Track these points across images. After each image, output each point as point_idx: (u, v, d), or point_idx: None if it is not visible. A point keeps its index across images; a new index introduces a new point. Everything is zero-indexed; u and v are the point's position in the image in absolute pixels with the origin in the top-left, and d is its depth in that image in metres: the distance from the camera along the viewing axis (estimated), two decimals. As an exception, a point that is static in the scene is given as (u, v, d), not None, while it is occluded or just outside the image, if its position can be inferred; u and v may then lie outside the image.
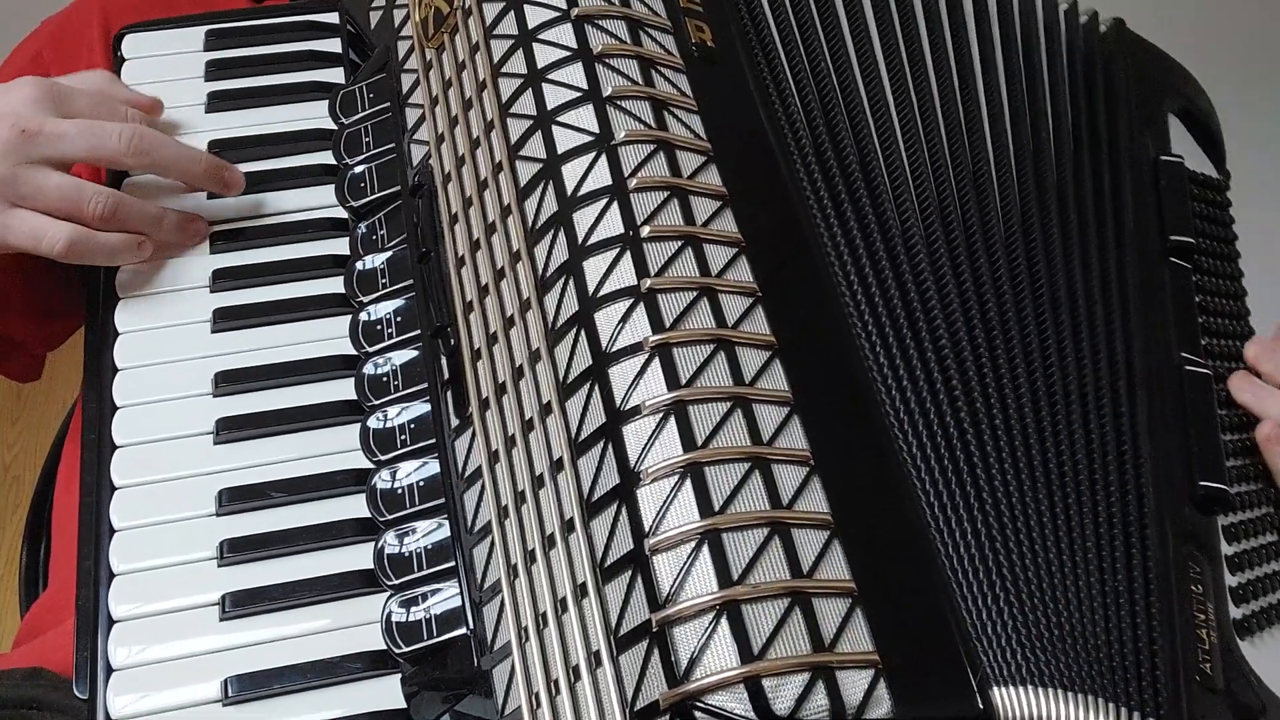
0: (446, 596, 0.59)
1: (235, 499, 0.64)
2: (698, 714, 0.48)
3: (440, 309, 0.65)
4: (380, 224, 0.70)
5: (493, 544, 0.58)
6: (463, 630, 0.58)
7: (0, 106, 0.67)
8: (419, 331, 0.66)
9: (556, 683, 0.52)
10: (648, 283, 0.56)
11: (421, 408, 0.64)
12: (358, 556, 0.63)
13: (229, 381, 0.68)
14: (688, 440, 0.52)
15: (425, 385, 0.64)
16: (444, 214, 0.66)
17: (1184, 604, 0.57)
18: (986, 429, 0.58)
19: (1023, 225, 0.67)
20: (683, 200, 0.58)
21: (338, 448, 0.66)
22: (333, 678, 0.60)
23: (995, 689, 0.51)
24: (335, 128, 0.75)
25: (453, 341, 0.63)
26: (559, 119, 0.61)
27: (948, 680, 0.51)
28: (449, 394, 0.63)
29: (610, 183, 0.58)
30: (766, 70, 0.67)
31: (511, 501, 0.57)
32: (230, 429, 0.66)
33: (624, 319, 0.55)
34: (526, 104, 0.62)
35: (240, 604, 0.62)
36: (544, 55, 0.63)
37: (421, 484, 0.62)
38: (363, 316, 0.67)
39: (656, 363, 0.54)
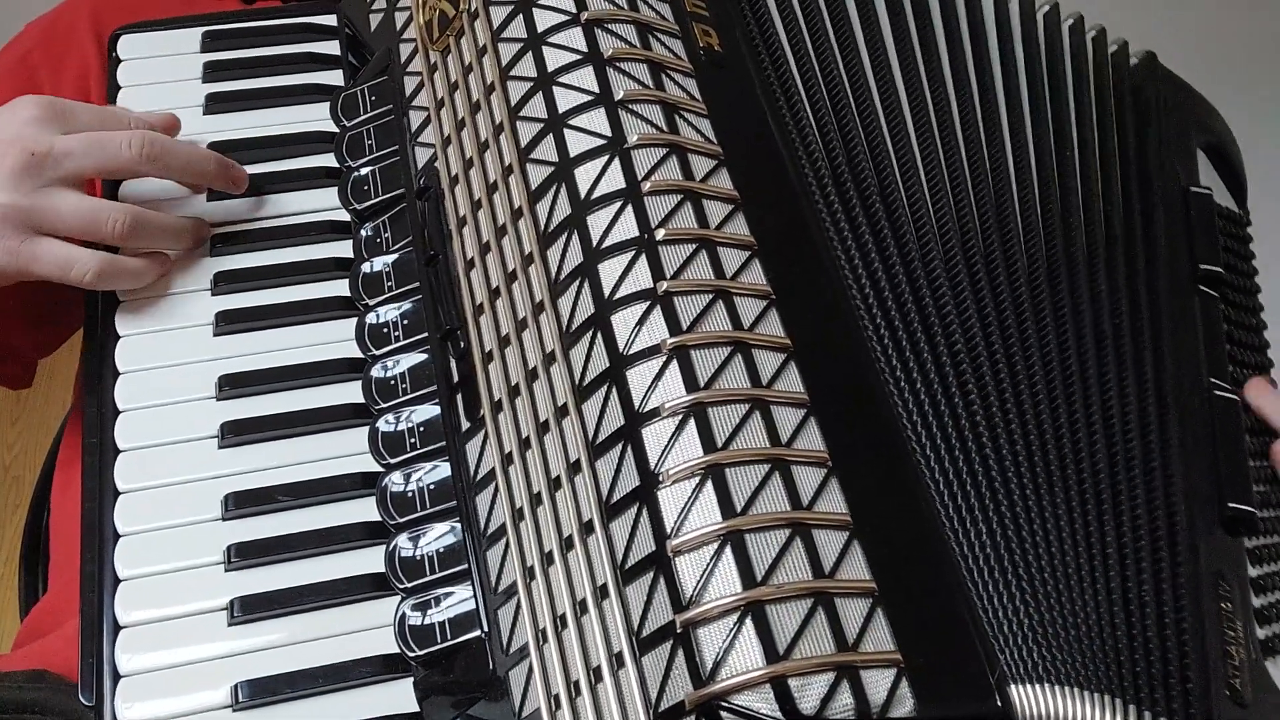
0: (460, 599, 0.59)
1: (241, 503, 0.64)
2: (724, 714, 0.48)
3: (449, 312, 0.64)
4: (385, 226, 0.70)
5: (507, 546, 0.57)
6: (477, 633, 0.58)
7: (3, 132, 0.66)
8: (426, 334, 0.66)
9: (577, 684, 0.52)
10: (664, 285, 0.56)
11: (431, 411, 0.64)
12: (367, 560, 0.63)
13: (233, 385, 0.67)
14: (708, 442, 0.52)
15: (434, 388, 0.64)
16: (451, 217, 0.66)
17: (1215, 620, 0.58)
18: (1003, 434, 0.59)
19: (1044, 236, 0.67)
20: (696, 204, 0.59)
21: (344, 451, 0.66)
22: (344, 682, 0.60)
23: (1013, 686, 0.52)
24: (336, 130, 0.74)
25: (462, 344, 0.63)
26: (571, 122, 0.61)
27: (967, 679, 0.51)
28: (459, 397, 0.63)
29: (624, 186, 0.58)
30: (773, 74, 0.67)
31: (527, 504, 0.57)
32: (235, 433, 0.66)
33: (641, 321, 0.55)
34: (537, 107, 0.63)
35: (249, 609, 0.61)
36: (554, 58, 0.63)
37: (433, 487, 0.62)
38: (369, 319, 0.67)
39: (675, 365, 0.54)
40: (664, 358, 0.54)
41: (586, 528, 0.54)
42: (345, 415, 0.67)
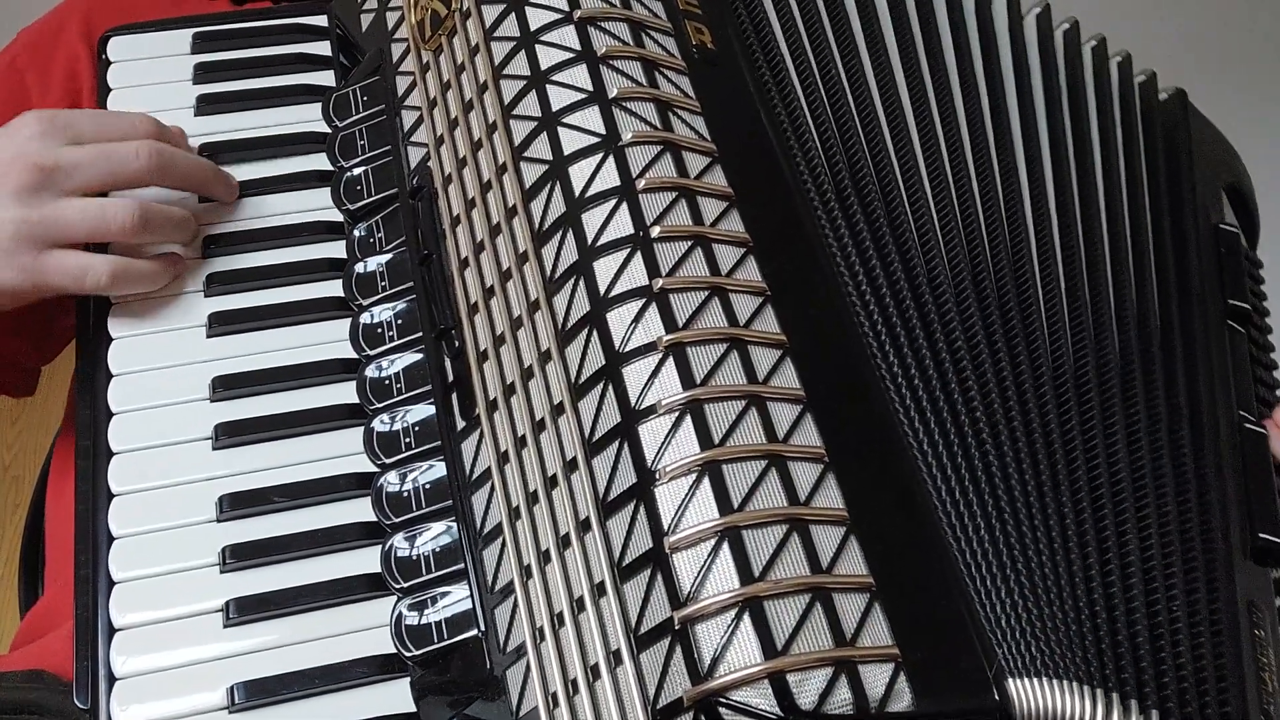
0: (457, 599, 0.59)
1: (236, 504, 0.64)
2: (723, 710, 0.48)
3: (443, 311, 0.64)
4: (378, 226, 0.70)
5: (504, 545, 0.57)
6: (474, 632, 0.58)
7: (8, 149, 0.66)
8: (420, 334, 0.66)
9: (574, 682, 0.52)
10: (660, 282, 0.56)
11: (426, 410, 0.64)
12: (362, 561, 0.62)
13: (226, 386, 0.67)
14: (705, 438, 0.52)
15: (429, 388, 0.64)
16: (445, 216, 0.66)
17: (1250, 647, 0.58)
18: (1004, 433, 0.59)
19: (1061, 245, 0.68)
20: (691, 201, 0.59)
21: (338, 452, 0.66)
22: (340, 683, 0.59)
23: (1011, 681, 0.52)
24: (327, 131, 0.74)
25: (457, 344, 0.63)
26: (564, 120, 0.61)
27: (964, 673, 0.51)
28: (454, 396, 0.63)
29: (619, 183, 0.58)
30: (768, 72, 0.67)
31: (523, 502, 0.57)
32: (229, 434, 0.66)
33: (637, 319, 0.55)
34: (530, 105, 0.62)
35: (244, 610, 0.61)
36: (547, 57, 0.63)
37: (428, 486, 0.62)
38: (363, 319, 0.67)
39: (671, 362, 0.54)
40: (660, 354, 0.54)
41: (583, 525, 0.54)
42: (340, 416, 0.66)
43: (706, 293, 0.56)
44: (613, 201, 0.58)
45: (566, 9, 0.64)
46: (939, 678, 0.50)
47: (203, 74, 0.78)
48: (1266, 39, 1.60)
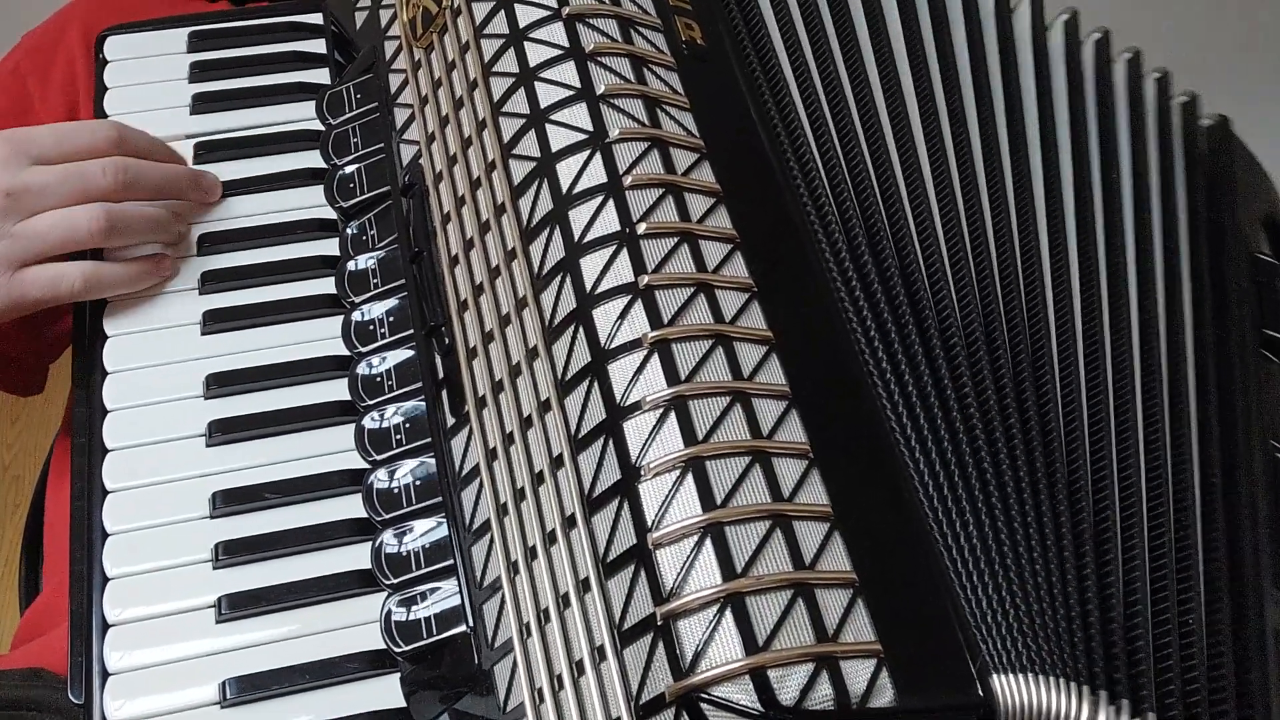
0: (445, 595, 0.59)
1: (229, 501, 0.64)
2: (704, 706, 0.48)
3: (434, 308, 0.65)
4: (370, 224, 0.70)
5: (492, 541, 0.58)
6: (462, 628, 0.58)
7: None
8: (412, 331, 0.66)
9: (560, 678, 0.53)
10: (645, 279, 0.56)
11: (416, 407, 0.64)
12: (354, 557, 0.63)
13: (220, 384, 0.67)
14: (689, 435, 0.52)
15: (419, 385, 0.64)
16: (436, 213, 0.66)
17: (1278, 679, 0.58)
18: (1000, 433, 0.58)
19: (1080, 247, 0.67)
20: (677, 197, 0.59)
21: (331, 449, 0.66)
22: (331, 678, 0.60)
23: (995, 676, 0.52)
24: (322, 128, 0.74)
25: (447, 341, 0.63)
26: (552, 117, 0.61)
27: (948, 668, 0.51)
28: (444, 393, 0.63)
29: (605, 180, 0.59)
30: (759, 68, 0.67)
31: (511, 498, 0.57)
32: (222, 431, 0.66)
33: (622, 315, 0.55)
34: (519, 103, 0.63)
35: (236, 606, 0.61)
36: (536, 54, 0.63)
37: (418, 483, 0.62)
38: (355, 317, 0.67)
39: (656, 358, 0.54)
40: (645, 351, 0.54)
41: (569, 522, 0.54)
42: (332, 413, 0.67)
43: (692, 289, 0.56)
44: (599, 198, 0.58)
45: (555, 6, 0.64)
46: (922, 673, 0.50)
47: (198, 72, 0.78)
48: (1266, 35, 1.59)
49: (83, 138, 0.68)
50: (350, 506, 0.64)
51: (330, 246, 0.72)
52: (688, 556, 0.50)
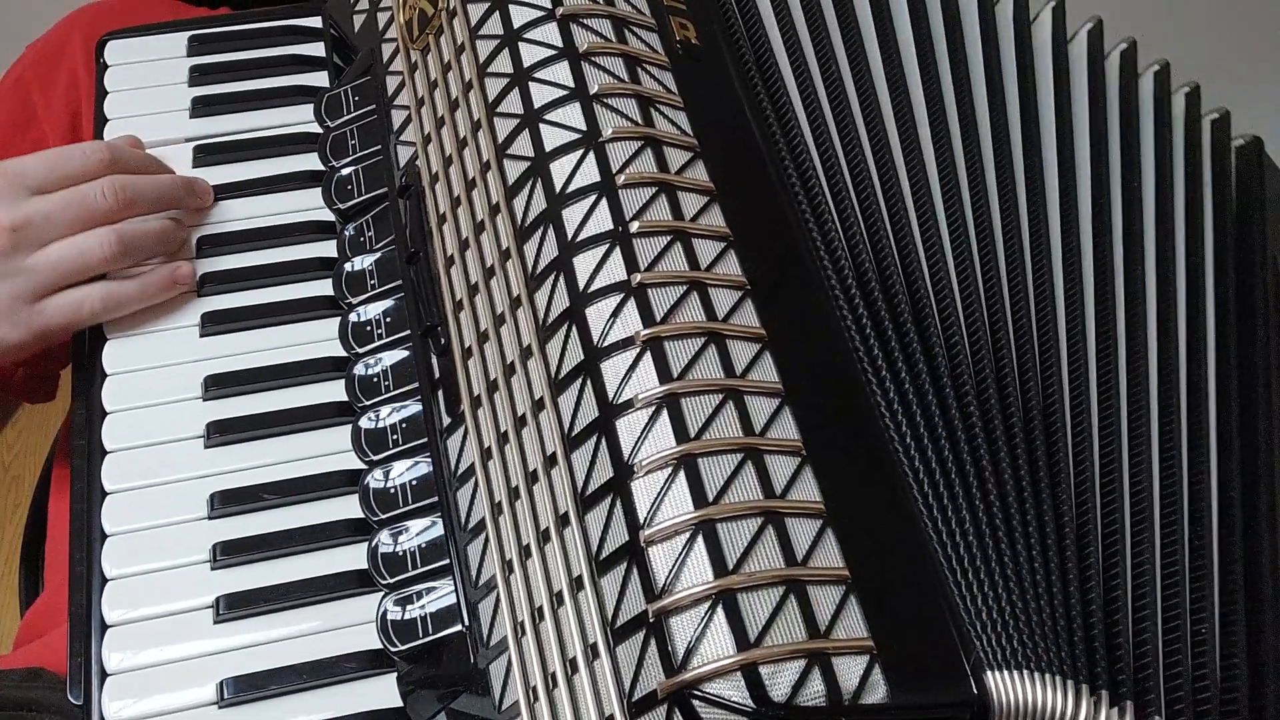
0: (441, 594, 0.59)
1: (227, 502, 0.64)
2: (695, 702, 0.48)
3: (430, 309, 0.65)
4: (368, 225, 0.70)
5: (487, 541, 0.58)
6: (458, 627, 0.58)
7: None
8: (409, 332, 0.66)
9: (554, 676, 0.53)
10: (638, 277, 0.56)
11: (413, 407, 0.64)
12: (351, 557, 0.63)
13: (218, 385, 0.68)
14: (680, 432, 0.52)
15: (416, 385, 0.65)
16: (432, 214, 0.66)
17: None
18: (1002, 437, 0.58)
19: (1096, 264, 0.66)
20: (671, 196, 0.59)
21: (328, 449, 0.66)
22: (329, 678, 0.60)
23: (989, 673, 0.52)
24: (320, 131, 0.75)
25: (443, 340, 0.63)
26: (546, 117, 0.61)
27: (941, 665, 0.51)
28: (440, 393, 0.63)
29: (599, 179, 0.59)
30: (755, 68, 0.67)
31: (505, 498, 0.57)
32: (221, 432, 0.66)
33: (615, 314, 0.55)
34: (513, 103, 0.63)
35: (234, 606, 0.62)
36: (530, 54, 0.63)
37: (414, 483, 0.62)
38: (352, 318, 0.67)
39: (648, 356, 0.54)
40: (638, 349, 0.54)
41: (562, 520, 0.54)
42: (329, 414, 0.67)
43: (685, 287, 0.56)
44: (593, 197, 0.58)
45: (549, 6, 0.64)
46: (915, 670, 0.50)
47: (198, 76, 0.79)
48: (1265, 36, 1.58)
49: (75, 162, 0.69)
50: (347, 507, 0.64)
51: (328, 248, 0.72)
52: (679, 553, 0.50)
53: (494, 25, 0.65)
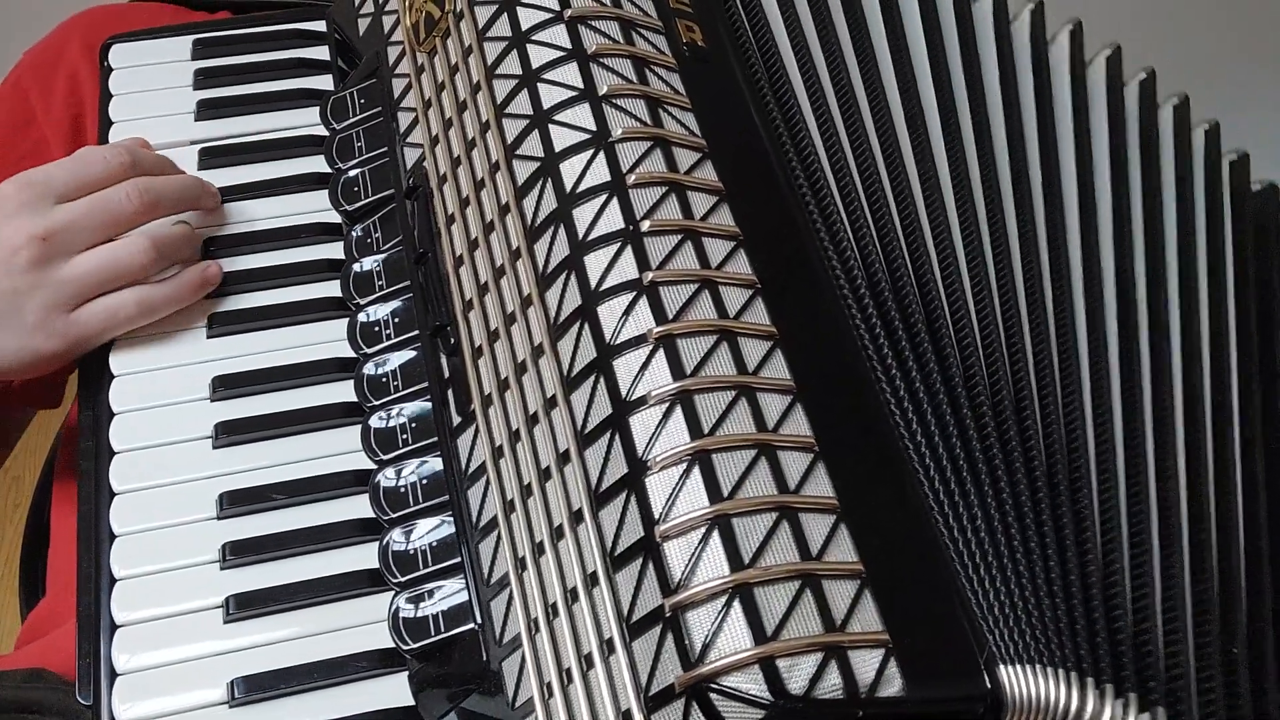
0: (453, 592, 0.60)
1: (236, 502, 0.64)
2: (713, 696, 0.48)
3: (439, 308, 0.65)
4: (375, 227, 0.71)
5: (499, 539, 0.58)
6: (470, 625, 0.59)
7: (2, 227, 0.65)
8: (417, 332, 0.66)
9: (568, 672, 0.53)
10: (650, 276, 0.56)
11: (422, 406, 0.64)
12: (361, 556, 0.63)
13: (226, 386, 0.68)
14: (695, 428, 0.53)
15: (425, 384, 0.65)
16: (440, 215, 0.66)
17: None
18: (1014, 430, 0.58)
19: (1118, 272, 0.67)
20: (681, 195, 0.59)
21: (337, 450, 0.66)
22: (340, 677, 0.60)
23: (1001, 667, 0.52)
24: (326, 134, 0.75)
25: (453, 340, 0.64)
26: (556, 118, 0.62)
27: (954, 659, 0.52)
28: (450, 392, 0.64)
29: (609, 179, 0.59)
30: (763, 70, 0.68)
31: (518, 495, 0.57)
32: (229, 433, 0.66)
33: (627, 312, 0.56)
34: (522, 104, 0.63)
35: (244, 606, 0.62)
36: (539, 56, 0.63)
37: (425, 482, 0.62)
38: (360, 318, 0.68)
39: (661, 354, 0.54)
40: (650, 346, 0.55)
41: (576, 516, 0.55)
42: (338, 414, 0.67)
43: (696, 285, 0.57)
44: (603, 197, 0.59)
45: (557, 8, 0.64)
46: (930, 663, 0.50)
47: (203, 79, 0.79)
48: (1265, 37, 1.59)
49: (96, 166, 0.68)
50: (356, 507, 0.64)
51: (334, 250, 0.72)
52: (695, 548, 0.50)
53: (502, 27, 0.66)
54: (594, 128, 0.61)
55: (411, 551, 0.61)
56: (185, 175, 0.73)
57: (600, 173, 0.59)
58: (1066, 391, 0.62)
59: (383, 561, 0.61)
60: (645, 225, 0.58)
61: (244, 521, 0.64)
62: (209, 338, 0.70)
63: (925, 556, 0.54)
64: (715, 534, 0.50)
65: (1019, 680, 0.52)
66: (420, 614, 0.59)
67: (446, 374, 0.64)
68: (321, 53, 0.81)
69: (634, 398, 0.54)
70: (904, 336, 0.60)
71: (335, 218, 0.73)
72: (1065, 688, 0.53)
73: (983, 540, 0.55)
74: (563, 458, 0.56)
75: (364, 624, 0.62)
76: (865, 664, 0.49)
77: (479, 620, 0.58)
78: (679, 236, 0.58)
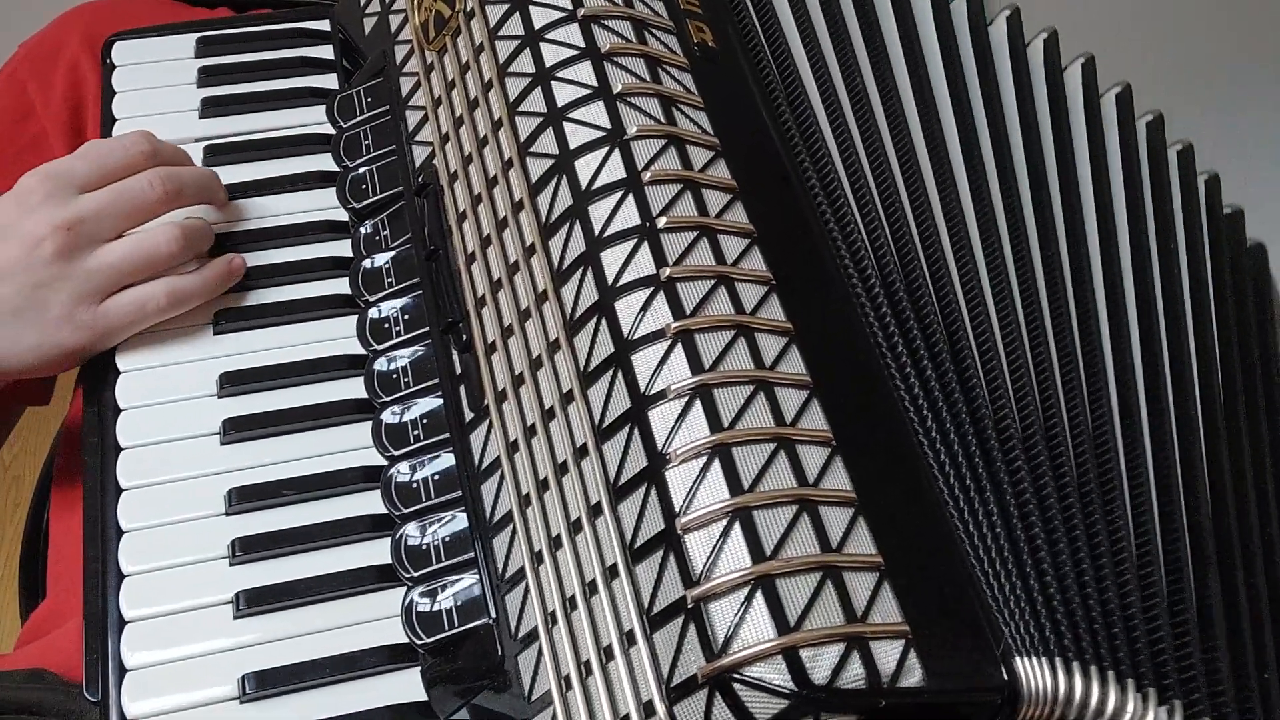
0: (467, 586, 0.60)
1: (245, 498, 0.64)
2: (737, 686, 0.48)
3: (450, 305, 0.65)
4: (384, 224, 0.71)
5: (514, 533, 0.58)
6: (484, 620, 0.59)
7: (26, 221, 0.65)
8: (428, 328, 0.66)
9: (588, 664, 0.53)
10: (667, 271, 0.57)
11: (434, 402, 0.64)
12: (371, 552, 0.63)
13: (234, 382, 0.68)
14: (714, 422, 0.53)
15: (436, 380, 0.65)
16: (451, 212, 0.67)
17: None
18: (1040, 432, 0.59)
19: (1137, 285, 0.68)
20: (695, 192, 0.60)
21: (346, 446, 0.66)
22: (352, 672, 0.60)
23: (1018, 659, 0.52)
24: (331, 132, 0.75)
25: (465, 336, 0.64)
26: (570, 115, 0.62)
27: (972, 650, 0.52)
28: (461, 389, 0.64)
29: (625, 175, 0.59)
30: (773, 69, 0.68)
31: (534, 489, 0.57)
32: (237, 429, 0.66)
33: (645, 307, 0.56)
34: (536, 101, 0.63)
35: (254, 602, 0.61)
36: (552, 54, 0.64)
37: (437, 477, 0.62)
38: (370, 314, 0.68)
39: (680, 348, 0.55)
40: (669, 341, 0.55)
41: (594, 510, 0.55)
42: (347, 410, 0.67)
43: (713, 281, 0.57)
44: (619, 193, 0.59)
45: (570, 8, 0.64)
46: (948, 655, 0.51)
47: (207, 77, 0.79)
48: (1265, 38, 1.60)
49: (117, 155, 0.68)
50: (365, 503, 0.64)
51: (342, 248, 0.72)
52: (716, 540, 0.51)
53: (514, 26, 0.66)
54: (609, 125, 0.61)
55: (424, 546, 0.61)
56: (201, 167, 0.72)
57: (616, 169, 0.60)
58: (1093, 394, 0.62)
59: (395, 556, 0.61)
60: (662, 222, 0.58)
61: (253, 517, 0.64)
62: (216, 334, 0.69)
63: (941, 550, 0.54)
64: (737, 526, 0.51)
65: (1036, 672, 0.53)
66: (434, 608, 0.59)
67: (458, 370, 0.64)
68: (326, 52, 0.81)
69: (653, 392, 0.54)
70: (919, 335, 0.60)
71: (342, 215, 0.73)
72: (1081, 680, 0.54)
73: (999, 535, 0.56)
74: (580, 452, 0.56)
75: (375, 619, 0.61)
76: (886, 655, 0.49)
77: (493, 615, 0.58)
78: (695, 233, 0.58)
